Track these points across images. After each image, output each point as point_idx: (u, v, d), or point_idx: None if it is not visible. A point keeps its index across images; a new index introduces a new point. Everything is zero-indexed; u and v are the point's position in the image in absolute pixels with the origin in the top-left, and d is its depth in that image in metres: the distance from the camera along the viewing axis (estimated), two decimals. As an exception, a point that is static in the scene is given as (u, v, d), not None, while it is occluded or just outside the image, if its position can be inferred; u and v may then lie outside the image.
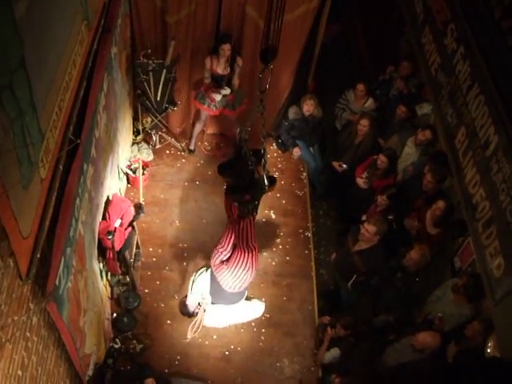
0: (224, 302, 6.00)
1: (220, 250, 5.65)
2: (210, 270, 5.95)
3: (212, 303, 6.01)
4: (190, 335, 6.31)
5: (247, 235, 5.31)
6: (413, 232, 6.60)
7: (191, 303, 6.46)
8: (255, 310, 6.30)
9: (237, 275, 5.55)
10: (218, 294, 5.89)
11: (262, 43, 4.70)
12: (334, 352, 6.29)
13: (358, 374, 5.94)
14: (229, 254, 5.63)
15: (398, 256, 6.36)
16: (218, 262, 5.69)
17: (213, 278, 5.84)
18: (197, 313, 6.24)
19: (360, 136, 7.57)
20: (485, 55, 4.75)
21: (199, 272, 6.26)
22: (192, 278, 6.32)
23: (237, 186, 5.20)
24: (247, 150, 4.97)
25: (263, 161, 4.94)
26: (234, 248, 5.56)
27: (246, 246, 5.39)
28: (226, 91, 7.58)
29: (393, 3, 7.43)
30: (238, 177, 5.15)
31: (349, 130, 7.81)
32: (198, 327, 6.18)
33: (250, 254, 5.43)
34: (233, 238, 5.52)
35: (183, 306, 6.77)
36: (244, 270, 5.51)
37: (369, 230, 6.18)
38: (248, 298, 6.32)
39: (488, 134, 4.51)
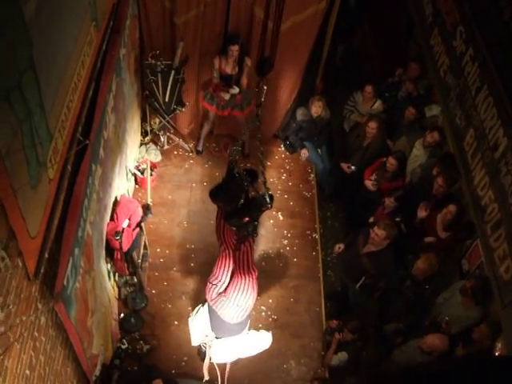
0: (229, 335, 5.62)
1: (215, 283, 5.33)
2: (206, 305, 5.65)
3: (216, 338, 5.65)
4: (206, 376, 6.03)
5: (248, 259, 5.10)
6: (427, 242, 6.54)
7: (196, 344, 6.05)
8: (263, 340, 5.95)
9: (238, 304, 5.24)
10: (220, 327, 5.56)
11: (258, 54, 4.55)
12: (342, 356, 6.25)
13: (364, 375, 5.93)
14: (225, 284, 5.33)
15: (407, 264, 6.34)
16: (214, 295, 5.35)
17: (212, 312, 5.50)
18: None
19: (368, 138, 7.54)
20: (494, 57, 4.73)
21: (195, 311, 5.94)
22: (190, 319, 5.98)
23: (233, 209, 4.95)
24: (240, 170, 4.81)
25: (263, 178, 4.75)
26: (232, 276, 5.28)
27: (246, 272, 5.12)
28: (235, 90, 7.58)
29: (402, 5, 7.42)
30: (232, 200, 4.89)
31: (357, 131, 7.79)
32: (210, 365, 5.89)
33: (251, 279, 5.17)
34: (228, 266, 5.24)
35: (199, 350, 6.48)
36: (246, 296, 5.21)
37: (378, 234, 6.16)
38: (255, 329, 6.08)
39: (497, 136, 4.50)
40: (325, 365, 6.63)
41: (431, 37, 5.94)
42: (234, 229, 5.00)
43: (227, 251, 5.21)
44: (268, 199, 4.74)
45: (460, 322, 5.72)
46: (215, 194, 4.96)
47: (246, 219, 4.85)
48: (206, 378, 6.01)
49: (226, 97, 7.63)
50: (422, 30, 6.28)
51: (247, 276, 5.15)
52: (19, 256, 3.28)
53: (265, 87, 4.47)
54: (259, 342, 5.90)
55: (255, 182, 4.93)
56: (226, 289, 5.30)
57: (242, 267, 5.12)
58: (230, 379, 6.46)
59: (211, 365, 6.27)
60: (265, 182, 4.74)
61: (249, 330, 5.81)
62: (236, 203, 4.82)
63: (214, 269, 5.40)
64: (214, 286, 5.33)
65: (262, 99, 4.56)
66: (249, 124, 4.81)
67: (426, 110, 7.34)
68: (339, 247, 6.94)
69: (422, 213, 6.57)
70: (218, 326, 5.54)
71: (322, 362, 6.69)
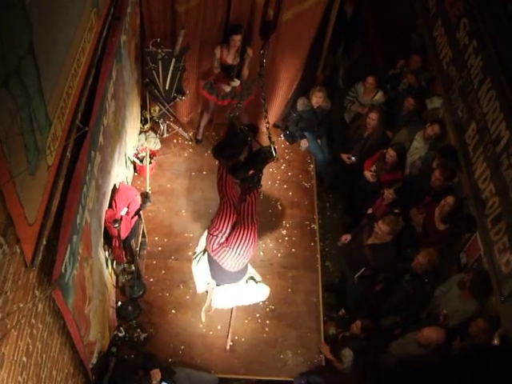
0: (229, 282, 5.88)
1: (215, 234, 5.48)
2: (206, 255, 5.85)
3: (217, 285, 5.93)
4: (203, 318, 6.45)
5: (252, 209, 5.27)
6: (418, 228, 6.56)
7: (201, 291, 6.31)
8: (261, 292, 6.18)
9: (240, 253, 5.42)
10: (220, 275, 5.79)
11: (262, 18, 4.71)
12: (349, 354, 6.20)
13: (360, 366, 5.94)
14: (226, 235, 5.49)
15: (406, 258, 6.34)
16: (215, 245, 5.52)
17: (212, 262, 5.71)
18: None
19: (369, 129, 7.52)
20: (497, 49, 4.71)
21: (196, 259, 6.13)
22: (192, 266, 6.21)
23: (238, 163, 5.18)
24: (241, 126, 5.04)
25: (267, 133, 4.99)
26: (233, 227, 5.44)
27: (250, 221, 5.30)
28: (236, 83, 7.55)
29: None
30: (236, 154, 5.15)
31: (358, 122, 7.77)
32: (209, 310, 6.26)
33: (253, 229, 5.34)
34: (230, 217, 5.40)
35: None
36: (248, 245, 5.38)
37: (382, 228, 6.16)
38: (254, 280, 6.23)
39: (499, 129, 4.48)
40: (343, 372, 6.45)
41: (434, 28, 5.91)
42: (238, 182, 5.23)
43: (229, 203, 5.38)
44: (274, 151, 4.94)
45: (457, 316, 5.72)
46: (219, 150, 5.18)
47: (251, 172, 5.08)
48: (203, 320, 6.53)
49: (227, 89, 7.60)
50: (425, 22, 6.24)
51: (251, 225, 5.31)
52: (17, 243, 3.26)
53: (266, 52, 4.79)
54: (258, 292, 6.13)
55: (257, 136, 5.16)
56: (227, 239, 5.45)
57: (246, 217, 5.28)
58: (227, 368, 6.49)
59: (209, 354, 6.33)
60: (269, 137, 4.97)
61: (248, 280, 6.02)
62: (239, 158, 5.10)
63: (214, 220, 5.54)
64: (215, 237, 5.48)
65: (264, 60, 4.90)
66: (252, 83, 4.99)
67: (428, 102, 7.32)
68: (346, 238, 6.96)
69: (417, 218, 6.58)
70: (218, 274, 5.78)
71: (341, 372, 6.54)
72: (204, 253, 5.94)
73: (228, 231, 5.47)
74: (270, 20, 4.79)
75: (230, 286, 5.89)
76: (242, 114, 8.13)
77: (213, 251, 5.55)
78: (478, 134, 4.85)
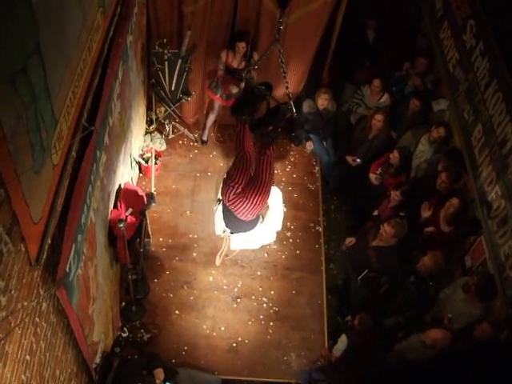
0: (244, 231, 5.97)
1: (232, 184, 5.56)
2: (221, 205, 5.91)
3: (232, 233, 6.02)
4: (218, 262, 6.64)
5: (271, 162, 5.44)
6: (427, 232, 6.53)
7: (218, 233, 6.37)
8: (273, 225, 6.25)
9: (257, 203, 5.53)
10: (235, 224, 5.88)
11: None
12: (342, 340, 6.29)
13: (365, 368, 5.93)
14: (243, 186, 5.57)
15: (411, 260, 6.32)
16: (231, 196, 5.58)
17: (226, 211, 5.78)
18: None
19: (374, 131, 7.52)
20: (504, 52, 4.69)
21: (216, 205, 6.21)
22: (214, 209, 6.31)
23: (257, 120, 5.43)
24: (257, 85, 5.28)
25: (287, 91, 5.24)
26: (251, 179, 5.56)
27: (268, 174, 5.46)
28: (235, 89, 7.54)
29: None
30: (254, 111, 5.38)
31: (363, 124, 7.76)
32: (225, 254, 6.40)
33: (270, 180, 5.49)
34: (247, 170, 5.52)
35: None
36: (264, 196, 5.51)
37: (387, 230, 6.15)
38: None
39: (506, 131, 4.47)
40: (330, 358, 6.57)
41: (441, 30, 5.90)
42: (258, 137, 5.47)
43: (246, 157, 5.51)
44: (292, 107, 5.22)
45: (462, 319, 5.70)
46: (237, 108, 5.44)
47: (271, 128, 5.33)
48: (217, 264, 6.81)
49: (234, 90, 7.57)
50: (432, 24, 6.23)
51: (269, 177, 5.47)
52: (22, 241, 3.27)
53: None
54: (269, 232, 6.22)
55: (272, 93, 5.39)
56: (243, 189, 5.54)
57: (265, 170, 5.43)
58: (230, 369, 6.48)
59: (212, 355, 6.32)
60: (288, 94, 5.29)
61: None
62: (257, 114, 5.37)
63: (230, 172, 5.65)
64: (232, 188, 5.56)
65: (281, 27, 5.31)
66: (268, 49, 5.48)
67: (434, 104, 7.30)
68: (350, 241, 6.95)
69: (425, 213, 6.56)
70: (233, 223, 5.88)
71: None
72: (219, 202, 6.02)
73: (244, 182, 5.56)
74: None
75: (244, 234, 6.01)
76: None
77: (229, 201, 5.61)
78: (484, 136, 4.83)
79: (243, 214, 5.62)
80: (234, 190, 5.57)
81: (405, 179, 7.06)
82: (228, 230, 6.02)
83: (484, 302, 5.58)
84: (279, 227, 6.33)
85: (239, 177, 5.53)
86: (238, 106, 5.44)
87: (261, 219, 5.99)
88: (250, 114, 5.39)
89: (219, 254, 6.59)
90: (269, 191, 5.56)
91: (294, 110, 5.26)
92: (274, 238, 6.48)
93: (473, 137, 5.07)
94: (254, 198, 5.49)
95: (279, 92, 7.36)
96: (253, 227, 5.93)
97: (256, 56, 7.42)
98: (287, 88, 5.30)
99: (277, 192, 6.18)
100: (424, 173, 7.03)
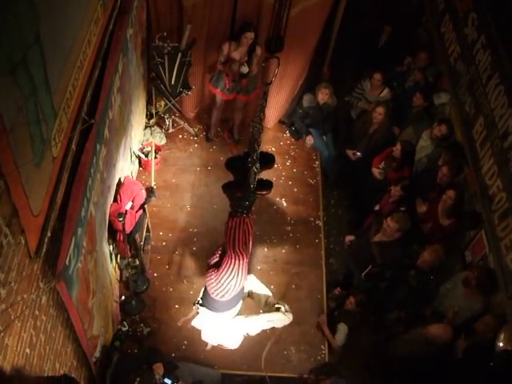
0: (208, 307, 5.49)
1: (217, 253, 5.33)
2: None
3: (200, 304, 5.57)
4: (180, 322, 6.25)
5: (234, 237, 4.98)
6: (426, 228, 6.52)
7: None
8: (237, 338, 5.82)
9: (220, 281, 5.08)
10: (205, 296, 5.49)
11: (270, 33, 4.64)
12: (344, 330, 6.36)
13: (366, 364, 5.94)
14: (217, 259, 5.29)
15: (411, 254, 6.31)
16: (211, 263, 5.31)
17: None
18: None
19: (375, 124, 7.50)
20: (506, 45, 4.68)
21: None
22: None
23: (233, 182, 5.21)
24: (258, 153, 4.95)
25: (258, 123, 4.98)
26: (224, 251, 5.21)
27: (232, 250, 4.99)
28: (245, 69, 7.44)
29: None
30: (240, 173, 5.07)
31: (363, 118, 7.74)
32: (187, 321, 5.98)
33: (236, 261, 4.98)
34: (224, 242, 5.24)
35: None
36: (228, 276, 5.03)
37: (391, 226, 6.14)
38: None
39: (507, 124, 4.45)
40: (335, 349, 6.59)
41: (442, 24, 5.88)
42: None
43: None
44: (254, 186, 4.91)
45: (462, 314, 5.70)
46: (230, 163, 5.24)
47: (238, 194, 4.97)
48: (179, 324, 6.28)
49: (244, 70, 7.38)
50: (433, 17, 6.21)
51: (232, 255, 4.98)
52: (22, 233, 3.25)
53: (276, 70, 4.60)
54: (235, 336, 5.78)
55: (268, 167, 5.09)
56: (217, 262, 5.24)
57: (228, 243, 5.02)
58: (230, 363, 6.47)
59: (212, 350, 6.28)
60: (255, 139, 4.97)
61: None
62: (242, 179, 4.99)
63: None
64: (214, 257, 5.32)
65: (273, 79, 5.03)
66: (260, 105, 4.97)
67: (435, 97, 7.28)
68: (349, 239, 6.95)
69: (421, 208, 6.55)
70: (204, 293, 5.48)
71: (329, 347, 6.68)
72: None
73: (219, 256, 5.30)
74: (277, 36, 4.71)
75: (207, 312, 5.53)
76: (237, 111, 8.14)
77: (206, 270, 5.36)
78: (486, 130, 4.82)
79: (210, 287, 5.23)
80: (215, 259, 5.31)
81: (408, 173, 7.04)
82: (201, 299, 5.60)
83: (485, 296, 5.58)
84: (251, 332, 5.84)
85: (216, 250, 5.29)
86: (233, 160, 5.25)
87: (234, 310, 5.58)
88: (237, 174, 5.18)
89: (184, 318, 6.18)
90: (234, 274, 5.03)
91: (254, 185, 4.92)
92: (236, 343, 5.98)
93: (474, 130, 5.06)
94: (220, 274, 5.06)
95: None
96: (217, 309, 5.45)
97: (259, 50, 7.34)
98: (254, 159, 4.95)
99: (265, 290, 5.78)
100: (424, 167, 7.02)
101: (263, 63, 4.76)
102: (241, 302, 5.61)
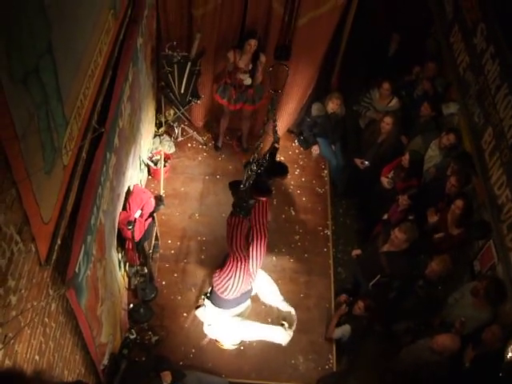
0: (212, 301, 5.82)
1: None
2: None
3: (207, 297, 5.90)
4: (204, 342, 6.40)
5: (232, 237, 5.21)
6: (436, 237, 6.50)
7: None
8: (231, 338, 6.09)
9: (220, 278, 5.42)
10: (211, 290, 5.79)
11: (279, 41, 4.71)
12: (345, 329, 6.42)
13: (371, 371, 5.93)
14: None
15: (419, 264, 6.29)
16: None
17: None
18: None
19: (383, 134, 7.50)
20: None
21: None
22: None
23: (238, 181, 5.33)
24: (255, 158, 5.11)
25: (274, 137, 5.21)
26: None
27: (230, 249, 5.24)
28: (248, 81, 7.49)
29: (422, 2, 7.34)
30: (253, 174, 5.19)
31: (372, 128, 7.75)
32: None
33: (235, 262, 5.24)
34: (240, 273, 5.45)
35: None
36: (226, 275, 5.34)
37: (398, 236, 6.13)
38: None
39: (516, 135, 4.45)
40: (327, 336, 6.71)
41: (451, 34, 5.89)
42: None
43: (236, 258, 5.40)
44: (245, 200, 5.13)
45: (470, 324, 5.67)
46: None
47: (239, 194, 5.18)
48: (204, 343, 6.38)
49: (245, 79, 7.47)
50: (442, 27, 6.23)
51: (232, 255, 5.26)
52: (32, 241, 3.27)
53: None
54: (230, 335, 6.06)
55: (279, 176, 5.39)
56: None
57: (227, 241, 5.31)
58: (238, 372, 6.46)
59: (219, 358, 6.29)
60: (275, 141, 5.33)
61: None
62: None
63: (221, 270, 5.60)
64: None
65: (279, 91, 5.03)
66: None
67: (444, 107, 7.28)
68: (356, 254, 6.95)
69: (432, 218, 6.53)
70: (212, 288, 5.79)
71: (324, 334, 6.77)
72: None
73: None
74: (284, 44, 4.82)
75: (213, 307, 5.82)
76: (244, 120, 8.16)
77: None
78: (495, 140, 4.82)
79: (214, 279, 5.58)
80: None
81: (416, 183, 7.03)
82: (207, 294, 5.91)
83: (493, 306, 5.56)
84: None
85: (233, 281, 5.45)
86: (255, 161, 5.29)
87: (236, 310, 5.84)
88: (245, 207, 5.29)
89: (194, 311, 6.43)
90: (232, 274, 5.37)
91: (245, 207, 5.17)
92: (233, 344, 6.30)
93: (483, 140, 5.06)
94: (222, 271, 5.40)
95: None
96: (217, 304, 5.76)
97: (263, 57, 7.40)
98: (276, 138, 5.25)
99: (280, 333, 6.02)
100: (433, 177, 7.00)
101: (270, 68, 4.83)
102: (246, 304, 5.74)
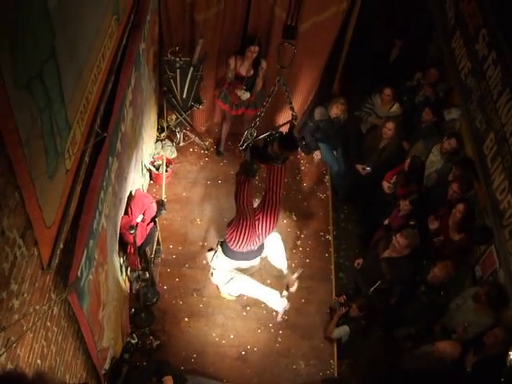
0: (222, 248, 5.92)
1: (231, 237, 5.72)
2: None
3: (220, 244, 5.99)
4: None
5: (237, 194, 5.40)
6: (437, 243, 6.50)
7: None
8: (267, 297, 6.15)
9: (229, 230, 5.60)
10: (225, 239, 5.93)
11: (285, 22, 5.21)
12: (343, 330, 6.46)
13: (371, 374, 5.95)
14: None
15: (422, 269, 6.29)
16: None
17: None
18: None
19: (385, 140, 7.51)
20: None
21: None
22: None
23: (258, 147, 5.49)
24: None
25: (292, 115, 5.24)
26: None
27: (237, 206, 5.45)
28: (246, 95, 7.55)
29: (423, 8, 7.37)
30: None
31: (374, 133, 7.75)
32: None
33: (240, 218, 5.42)
34: (246, 229, 5.56)
35: None
36: (233, 229, 5.51)
37: (400, 242, 6.12)
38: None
39: (518, 140, 4.45)
40: (326, 335, 6.72)
41: (453, 39, 5.91)
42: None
43: (243, 214, 5.55)
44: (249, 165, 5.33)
45: (472, 329, 5.67)
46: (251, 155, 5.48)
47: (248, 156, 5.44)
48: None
49: (242, 95, 7.54)
50: (444, 33, 6.24)
51: (237, 210, 5.48)
52: (35, 245, 3.28)
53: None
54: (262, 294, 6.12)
55: (287, 148, 5.41)
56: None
57: (234, 198, 5.50)
58: (239, 377, 6.46)
59: (221, 363, 6.29)
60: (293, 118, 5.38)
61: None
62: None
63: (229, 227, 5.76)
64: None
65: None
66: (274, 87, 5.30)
67: (446, 113, 7.29)
68: (358, 263, 6.95)
69: (433, 225, 6.53)
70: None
71: (323, 334, 6.78)
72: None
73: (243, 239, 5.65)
74: (291, 25, 4.98)
75: (222, 254, 5.92)
76: (246, 124, 8.17)
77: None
78: (497, 145, 4.82)
79: (227, 237, 5.69)
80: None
81: (415, 189, 7.02)
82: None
83: (495, 311, 5.55)
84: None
85: (237, 234, 5.55)
86: (252, 153, 5.47)
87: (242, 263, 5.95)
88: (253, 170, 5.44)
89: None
90: (234, 228, 5.56)
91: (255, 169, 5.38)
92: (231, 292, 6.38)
93: (485, 145, 5.06)
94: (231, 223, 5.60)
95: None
96: (225, 253, 5.86)
97: (264, 63, 7.44)
98: (293, 113, 5.32)
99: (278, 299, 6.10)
100: (434, 182, 7.01)
101: (280, 46, 5.04)
102: (252, 263, 5.98)
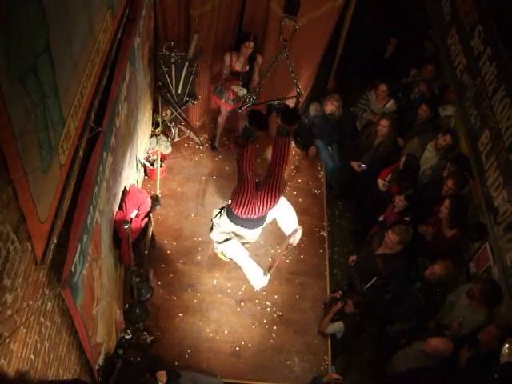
0: (226, 209, 5.87)
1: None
2: None
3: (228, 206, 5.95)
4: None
5: (238, 158, 5.39)
6: (428, 237, 6.52)
7: None
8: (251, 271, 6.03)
9: (232, 194, 5.60)
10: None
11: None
12: (338, 325, 6.47)
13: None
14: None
15: (418, 266, 6.30)
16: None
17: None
18: None
19: (380, 137, 7.51)
20: (512, 58, 4.69)
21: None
22: None
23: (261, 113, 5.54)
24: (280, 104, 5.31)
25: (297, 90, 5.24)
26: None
27: (238, 170, 5.44)
28: (242, 92, 7.53)
29: (419, 4, 7.37)
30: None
31: (369, 130, 7.76)
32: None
33: (241, 181, 5.42)
34: (247, 195, 5.54)
35: None
36: (235, 188, 5.52)
37: (391, 238, 6.13)
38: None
39: (513, 137, 4.46)
40: (320, 330, 6.74)
41: (448, 36, 5.90)
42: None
43: (244, 179, 5.52)
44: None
45: (466, 325, 5.68)
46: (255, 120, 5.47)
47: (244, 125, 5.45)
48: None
49: (239, 91, 7.54)
50: (440, 29, 6.23)
51: (238, 174, 5.46)
52: (28, 240, 3.26)
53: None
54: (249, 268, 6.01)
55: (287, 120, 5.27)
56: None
57: (236, 162, 5.49)
58: (233, 373, 6.46)
59: (215, 359, 6.29)
60: (298, 95, 5.32)
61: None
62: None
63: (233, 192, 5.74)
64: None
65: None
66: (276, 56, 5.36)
67: (440, 109, 7.30)
68: (352, 260, 6.96)
69: (427, 230, 6.54)
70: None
71: (317, 329, 6.80)
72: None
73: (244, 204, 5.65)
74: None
75: (224, 215, 5.89)
76: (242, 120, 8.18)
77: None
78: (492, 142, 4.82)
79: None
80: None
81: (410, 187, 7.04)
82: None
83: (489, 308, 5.57)
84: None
85: (238, 198, 5.53)
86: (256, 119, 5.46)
87: (240, 229, 5.89)
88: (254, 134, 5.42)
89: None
90: (233, 192, 5.58)
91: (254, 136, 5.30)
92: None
93: (480, 142, 5.06)
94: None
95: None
96: (230, 217, 5.81)
97: (260, 59, 7.44)
98: (298, 90, 5.30)
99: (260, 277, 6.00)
100: (429, 179, 7.02)
101: (282, 22, 5.03)
102: (249, 233, 5.93)
